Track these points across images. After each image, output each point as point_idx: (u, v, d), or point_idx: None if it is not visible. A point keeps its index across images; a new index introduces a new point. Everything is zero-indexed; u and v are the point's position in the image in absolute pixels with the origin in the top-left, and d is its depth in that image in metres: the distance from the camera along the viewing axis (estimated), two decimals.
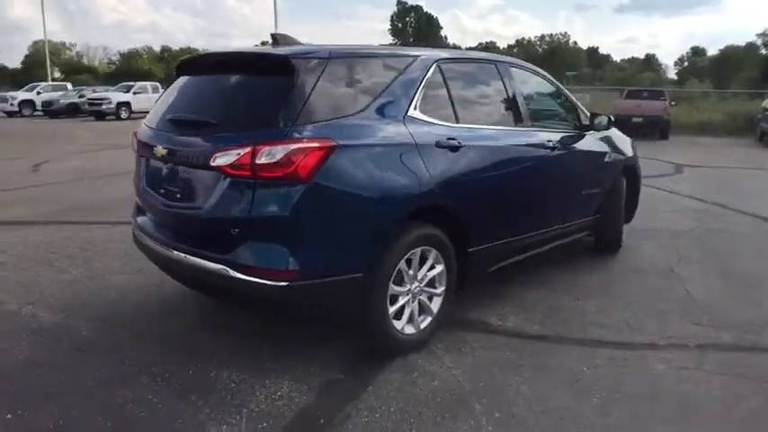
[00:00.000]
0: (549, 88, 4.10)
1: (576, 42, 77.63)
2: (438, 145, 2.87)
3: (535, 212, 3.65)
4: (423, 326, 2.94)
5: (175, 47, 66.23)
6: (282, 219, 2.37)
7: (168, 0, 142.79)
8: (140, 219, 3.12)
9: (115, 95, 24.24)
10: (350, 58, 2.76)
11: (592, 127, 4.19)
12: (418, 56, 3.02)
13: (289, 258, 2.39)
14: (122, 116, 23.33)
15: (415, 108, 2.85)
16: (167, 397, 2.48)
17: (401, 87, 2.84)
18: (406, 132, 2.75)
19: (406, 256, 2.75)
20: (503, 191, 3.32)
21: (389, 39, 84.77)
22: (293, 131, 2.37)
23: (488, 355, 2.90)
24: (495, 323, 3.32)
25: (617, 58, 79.76)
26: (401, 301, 2.81)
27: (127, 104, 23.85)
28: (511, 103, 3.52)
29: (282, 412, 2.38)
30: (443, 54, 3.22)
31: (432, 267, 2.94)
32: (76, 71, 55.06)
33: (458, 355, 2.90)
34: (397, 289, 2.76)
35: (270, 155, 2.33)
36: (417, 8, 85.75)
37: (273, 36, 3.00)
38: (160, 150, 2.75)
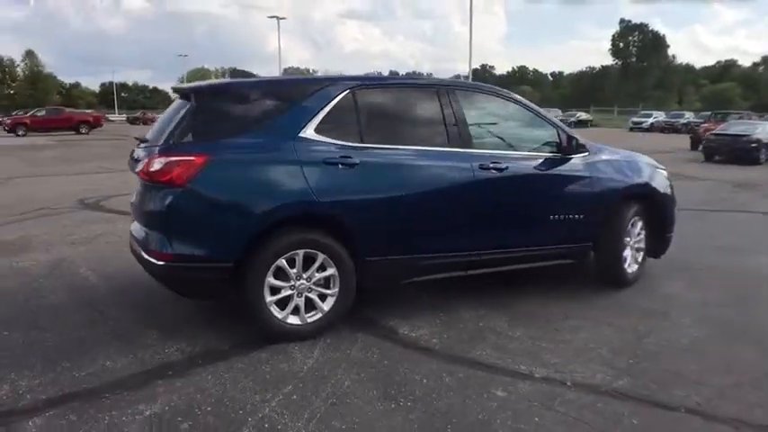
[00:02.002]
0: (517, 112, 4.03)
1: None
2: (327, 162, 3.24)
3: (468, 232, 3.65)
4: (310, 320, 3.32)
5: (402, 72, 72.76)
6: (162, 213, 3.07)
7: (401, 29, 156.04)
8: None
9: None
10: (249, 88, 3.35)
11: (571, 150, 3.97)
12: (328, 84, 3.44)
13: (166, 244, 3.07)
14: None
15: (311, 129, 3.28)
16: (100, 339, 3.33)
17: (298, 112, 3.29)
18: (291, 150, 3.20)
19: (285, 255, 3.19)
20: (414, 207, 3.48)
21: (610, 60, 79.88)
22: (175, 147, 3.07)
23: (355, 356, 3.13)
24: (402, 332, 3.48)
25: None
26: (283, 294, 3.24)
27: None
28: (445, 126, 3.62)
29: (151, 362, 3.03)
30: (363, 81, 3.56)
31: (323, 269, 3.31)
32: None
33: (331, 351, 3.20)
34: (277, 282, 3.21)
35: (157, 164, 3.05)
36: (642, 26, 79.15)
37: (232, 72, 3.74)
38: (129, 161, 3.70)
